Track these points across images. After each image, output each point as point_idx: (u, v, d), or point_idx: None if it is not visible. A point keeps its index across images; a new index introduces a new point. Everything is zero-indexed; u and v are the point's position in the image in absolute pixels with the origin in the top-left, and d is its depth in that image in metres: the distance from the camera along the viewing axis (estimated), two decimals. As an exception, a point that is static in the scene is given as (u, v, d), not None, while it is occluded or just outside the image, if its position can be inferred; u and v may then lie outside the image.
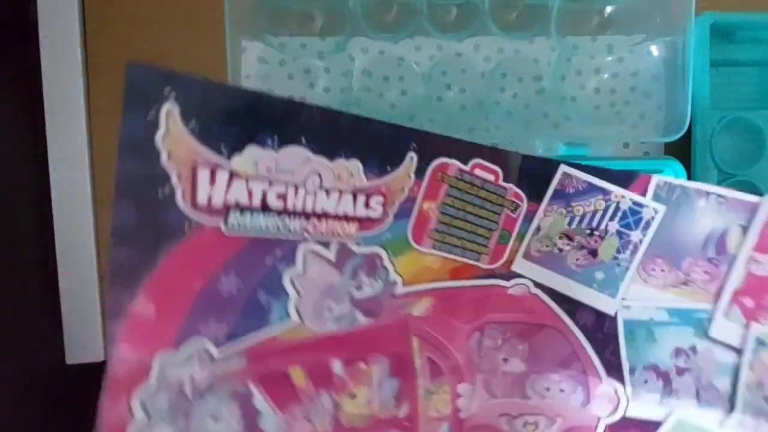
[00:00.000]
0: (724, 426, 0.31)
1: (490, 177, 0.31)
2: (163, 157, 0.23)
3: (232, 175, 0.24)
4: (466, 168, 0.31)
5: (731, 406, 0.31)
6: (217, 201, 0.24)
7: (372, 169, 0.28)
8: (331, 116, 0.27)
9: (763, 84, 0.45)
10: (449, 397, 0.32)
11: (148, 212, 0.23)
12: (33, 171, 0.47)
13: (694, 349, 0.32)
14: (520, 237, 0.32)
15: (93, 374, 0.53)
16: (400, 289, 0.30)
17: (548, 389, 0.32)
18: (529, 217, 0.32)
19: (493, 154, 0.31)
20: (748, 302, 0.31)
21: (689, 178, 0.40)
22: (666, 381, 0.32)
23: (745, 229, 0.31)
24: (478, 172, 0.31)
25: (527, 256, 0.32)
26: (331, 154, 0.27)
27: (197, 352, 0.24)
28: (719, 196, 0.31)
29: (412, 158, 0.29)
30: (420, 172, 0.30)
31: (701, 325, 0.32)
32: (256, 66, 0.43)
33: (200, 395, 0.24)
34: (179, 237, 0.23)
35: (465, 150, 0.31)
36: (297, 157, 0.26)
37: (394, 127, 0.29)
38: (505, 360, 0.32)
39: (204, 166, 0.23)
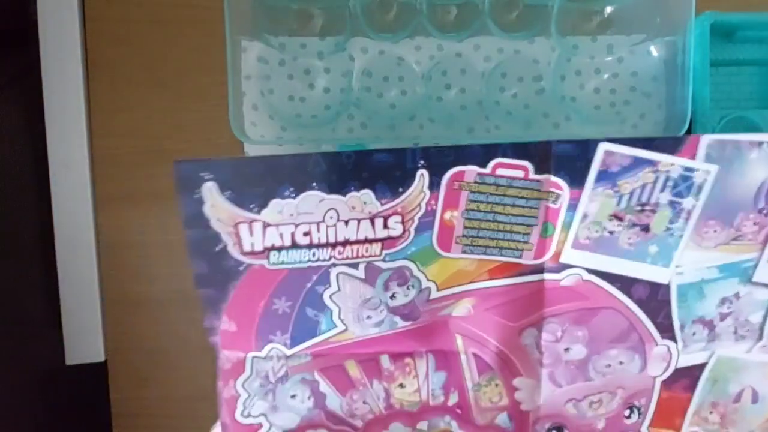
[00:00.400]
0: (750, 352, 0.33)
1: (518, 173, 0.31)
2: (213, 222, 0.31)
3: (265, 225, 0.31)
4: (486, 171, 0.31)
5: (760, 335, 0.33)
6: (258, 246, 0.31)
7: (384, 194, 0.31)
8: (333, 159, 0.31)
9: (763, 84, 0.46)
10: (503, 390, 0.33)
11: (213, 262, 0.31)
12: (33, 171, 0.47)
13: (737, 295, 0.33)
14: (566, 227, 0.32)
15: (93, 374, 0.53)
16: (435, 294, 0.32)
17: (609, 366, 0.33)
18: (572, 205, 0.31)
19: (516, 150, 0.31)
20: None
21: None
22: (710, 328, 0.33)
23: None
24: (501, 171, 0.31)
25: (576, 245, 0.32)
26: (341, 190, 0.31)
27: (275, 352, 0.32)
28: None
29: (422, 175, 0.31)
30: (434, 186, 0.31)
31: (747, 273, 0.32)
32: (256, 66, 0.44)
33: (280, 381, 0.33)
34: (238, 276, 0.31)
35: (481, 153, 0.31)
36: (312, 200, 0.31)
37: (396, 152, 0.30)
38: (567, 350, 0.33)
39: (243, 222, 0.31)
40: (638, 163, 0.31)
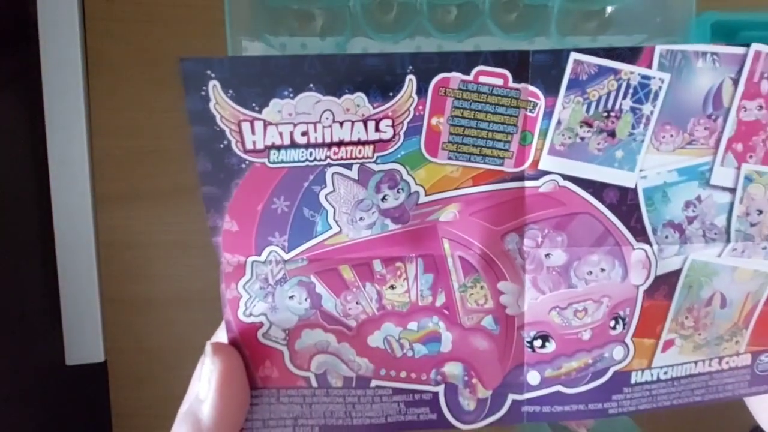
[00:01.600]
0: (721, 256, 0.35)
1: (498, 81, 0.33)
2: (218, 119, 0.32)
3: (266, 123, 0.32)
4: (469, 78, 0.33)
5: (727, 238, 0.35)
6: (260, 144, 0.32)
7: (376, 98, 0.32)
8: (329, 60, 0.32)
9: (764, 84, 0.45)
10: (488, 293, 0.35)
11: (217, 160, 0.32)
12: (33, 171, 0.47)
13: (699, 198, 0.35)
14: (543, 134, 0.33)
15: (93, 374, 0.54)
16: (423, 198, 0.34)
17: (590, 272, 0.35)
18: (548, 113, 0.33)
19: (496, 58, 0.33)
20: (739, 147, 0.34)
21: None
22: (681, 232, 0.35)
23: (735, 81, 0.34)
24: (483, 79, 0.33)
25: (552, 151, 0.34)
26: (336, 92, 0.32)
27: (273, 256, 0.34)
28: (713, 53, 0.33)
29: (410, 80, 0.32)
30: (422, 92, 0.32)
31: (704, 176, 0.35)
32: (257, 66, 0.44)
33: (279, 283, 0.34)
34: (241, 174, 0.32)
35: (464, 61, 0.33)
36: (309, 100, 0.32)
37: (387, 56, 0.32)
38: (548, 255, 0.35)
39: (245, 121, 0.32)
40: (603, 71, 0.33)
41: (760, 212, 0.35)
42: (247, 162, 0.32)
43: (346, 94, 0.32)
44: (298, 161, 0.33)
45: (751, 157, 0.34)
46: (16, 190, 0.49)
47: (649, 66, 0.33)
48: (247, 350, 0.35)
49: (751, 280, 0.36)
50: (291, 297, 0.34)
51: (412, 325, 0.35)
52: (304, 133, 0.32)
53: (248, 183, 0.33)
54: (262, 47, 0.44)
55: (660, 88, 0.33)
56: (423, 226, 0.34)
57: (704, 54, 0.33)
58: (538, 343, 0.35)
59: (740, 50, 0.33)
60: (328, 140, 0.32)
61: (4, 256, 0.46)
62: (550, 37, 0.42)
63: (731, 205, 0.35)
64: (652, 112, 0.34)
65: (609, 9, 0.44)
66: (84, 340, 0.50)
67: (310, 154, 0.32)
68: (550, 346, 0.36)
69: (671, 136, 0.34)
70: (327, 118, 0.32)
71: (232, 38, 0.40)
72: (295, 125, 0.32)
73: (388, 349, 0.35)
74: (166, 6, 0.48)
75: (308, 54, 0.32)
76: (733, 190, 0.35)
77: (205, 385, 0.31)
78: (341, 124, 0.32)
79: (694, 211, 0.35)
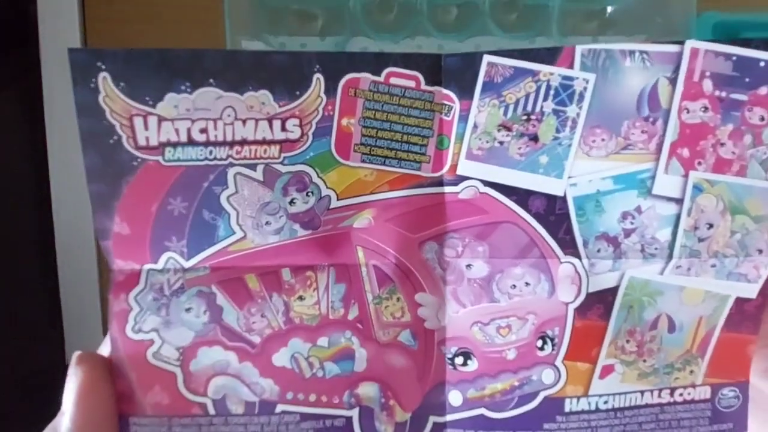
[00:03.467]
0: (664, 274, 0.32)
1: (410, 83, 0.31)
2: (107, 113, 0.30)
3: (160, 119, 0.30)
4: (380, 79, 0.31)
5: (670, 254, 0.32)
6: (153, 140, 0.30)
7: (282, 96, 0.31)
8: (232, 57, 0.31)
9: (765, 84, 0.45)
10: (405, 306, 0.33)
11: (106, 155, 0.30)
12: (33, 171, 0.47)
13: (638, 209, 0.32)
14: (459, 139, 0.32)
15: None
16: (335, 203, 0.32)
17: (514, 286, 0.33)
18: (464, 117, 0.32)
19: (407, 60, 0.31)
20: (685, 152, 0.31)
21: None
22: (615, 245, 0.32)
23: (672, 81, 0.31)
24: (394, 80, 0.31)
25: (470, 156, 0.32)
26: (239, 89, 0.30)
27: (172, 264, 0.31)
28: (642, 52, 0.31)
29: (318, 79, 0.31)
30: (331, 92, 0.31)
31: (644, 185, 0.32)
32: (256, 66, 0.44)
33: (175, 294, 0.31)
34: (132, 171, 0.30)
35: (373, 62, 0.31)
36: (209, 96, 0.30)
37: (293, 55, 0.31)
38: (469, 266, 0.33)
39: (137, 115, 0.30)
40: (520, 73, 0.31)
41: (711, 226, 0.32)
42: (139, 159, 0.30)
43: (250, 91, 0.30)
44: (197, 159, 0.31)
45: (699, 163, 0.31)
46: (16, 190, 0.49)
47: (571, 66, 0.31)
48: (134, 372, 0.31)
49: (703, 303, 0.32)
50: (188, 309, 0.31)
51: (323, 341, 0.32)
52: (203, 130, 0.30)
53: (141, 182, 0.30)
54: (261, 47, 0.44)
55: (585, 89, 0.31)
56: (335, 232, 0.32)
57: (632, 53, 0.31)
58: (459, 360, 0.33)
59: (674, 48, 0.31)
60: (229, 138, 0.31)
61: (4, 256, 0.46)
62: (551, 38, 0.42)
63: (677, 217, 0.32)
64: (578, 114, 0.31)
65: (609, 9, 0.44)
66: (84, 340, 0.50)
67: (210, 152, 0.31)
68: (473, 364, 0.33)
69: (602, 140, 0.32)
70: (229, 116, 0.30)
71: (231, 38, 0.40)
72: (193, 121, 0.30)
73: (296, 368, 0.32)
74: (166, 6, 0.48)
75: (208, 49, 0.30)
76: (679, 201, 0.32)
77: (65, 398, 0.29)
78: (244, 122, 0.30)
79: (632, 223, 0.32)
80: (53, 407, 0.49)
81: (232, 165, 0.31)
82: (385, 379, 0.33)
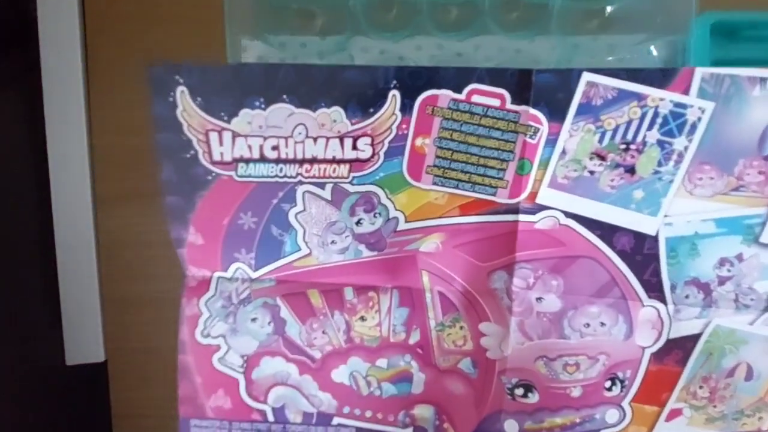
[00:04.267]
0: (754, 324, 0.30)
1: (494, 102, 0.30)
2: (185, 127, 0.31)
3: (234, 134, 0.31)
4: (461, 96, 0.30)
5: (767, 307, 0.30)
6: (227, 156, 0.31)
7: (355, 113, 0.30)
8: (305, 71, 0.30)
9: (765, 84, 0.45)
10: (468, 334, 0.32)
11: (181, 169, 0.31)
12: (33, 171, 0.47)
13: (740, 257, 0.30)
14: (543, 164, 0.30)
15: (93, 374, 0.53)
16: (402, 225, 0.31)
17: (588, 325, 0.31)
18: (551, 141, 0.29)
19: (494, 76, 0.29)
20: None
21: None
22: (707, 293, 0.30)
23: None
24: (476, 98, 0.30)
25: (554, 184, 0.30)
26: (312, 105, 0.30)
27: (240, 273, 0.32)
28: None
29: (394, 96, 0.30)
30: (407, 109, 0.30)
31: (752, 232, 0.29)
32: (257, 66, 0.44)
33: (242, 303, 0.32)
34: (206, 185, 0.31)
35: (455, 77, 0.30)
36: (282, 113, 0.30)
37: (370, 69, 0.30)
38: (539, 299, 0.31)
39: (213, 130, 0.30)
40: (624, 96, 0.29)
41: None
42: (213, 174, 0.31)
43: (322, 108, 0.30)
44: (268, 176, 0.31)
45: None
46: (16, 190, 0.49)
47: (686, 92, 0.28)
48: (200, 376, 0.32)
49: None
50: (254, 319, 0.32)
51: (382, 362, 0.32)
52: (275, 148, 0.30)
53: (214, 195, 0.31)
54: (261, 47, 0.44)
55: (699, 119, 0.28)
56: (401, 255, 0.31)
57: (764, 80, 0.27)
58: (519, 391, 0.32)
59: None
60: (300, 156, 0.30)
61: (4, 256, 0.46)
62: (551, 37, 0.42)
63: None
64: (686, 148, 0.28)
65: (609, 8, 0.44)
66: (84, 340, 0.49)
67: (281, 169, 0.30)
68: (533, 397, 0.32)
69: (711, 178, 0.28)
70: (300, 133, 0.30)
71: (231, 38, 0.40)
72: (265, 138, 0.30)
73: (354, 385, 0.32)
74: (166, 6, 0.48)
75: (283, 63, 0.31)
76: None
77: None
78: (315, 140, 0.30)
79: (729, 270, 0.29)
80: (53, 407, 0.49)
81: (301, 183, 0.31)
82: (441, 402, 0.33)
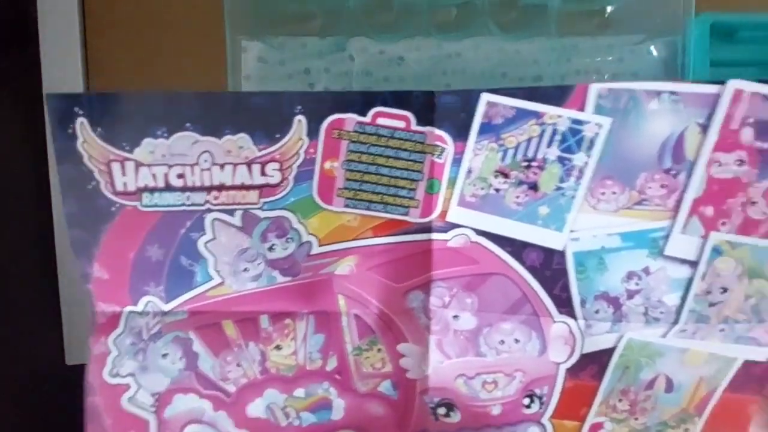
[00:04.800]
0: (667, 337, 0.30)
1: (399, 124, 0.30)
2: (85, 158, 0.30)
3: (138, 164, 0.30)
4: (366, 119, 0.30)
5: (676, 319, 0.30)
6: (131, 186, 0.30)
7: (262, 140, 0.30)
8: (208, 100, 0.30)
9: (764, 84, 0.45)
10: (386, 356, 0.32)
11: (84, 201, 0.30)
12: (33, 171, 0.47)
13: (647, 270, 0.30)
14: (451, 183, 0.30)
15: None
16: (316, 249, 0.31)
17: (502, 342, 0.31)
18: (457, 160, 0.30)
19: (397, 99, 0.30)
20: (708, 211, 0.28)
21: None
22: (616, 307, 0.30)
23: (704, 128, 0.27)
24: (381, 121, 0.30)
25: (462, 202, 0.30)
26: (216, 133, 0.30)
27: (151, 307, 0.31)
28: (672, 93, 0.27)
29: (299, 121, 0.30)
30: (314, 133, 0.30)
31: (656, 245, 0.29)
32: (256, 66, 0.44)
33: (152, 338, 0.31)
34: (110, 217, 0.30)
35: (360, 101, 0.30)
36: (186, 141, 0.30)
37: (273, 96, 0.30)
38: (456, 317, 0.31)
39: (115, 161, 0.30)
40: (522, 114, 0.29)
41: (725, 290, 0.29)
42: (117, 205, 0.30)
43: (228, 135, 0.30)
44: (174, 205, 0.30)
45: (723, 224, 0.28)
46: (16, 190, 0.49)
47: (582, 108, 0.28)
48: (109, 418, 0.31)
49: (705, 364, 0.30)
50: (164, 355, 0.31)
51: (299, 392, 0.31)
52: (180, 176, 0.30)
53: (119, 227, 0.30)
54: (261, 47, 0.44)
55: (597, 135, 0.28)
56: (316, 279, 0.31)
57: (659, 93, 0.27)
58: (441, 410, 0.32)
59: (711, 89, 0.27)
60: (207, 184, 0.30)
61: (4, 256, 0.46)
62: (550, 37, 0.42)
63: (689, 281, 0.29)
64: (586, 164, 0.28)
65: (608, 9, 0.44)
66: (84, 340, 0.50)
67: (188, 198, 0.30)
68: (455, 416, 0.32)
69: (613, 193, 0.29)
70: (206, 161, 0.30)
71: (231, 38, 0.40)
72: (170, 167, 0.30)
73: (272, 417, 0.32)
74: (166, 6, 0.48)
75: (185, 91, 0.30)
76: (694, 264, 0.29)
77: None
78: (222, 166, 0.30)
79: (637, 284, 0.29)
80: (53, 407, 0.49)
81: (209, 210, 0.30)
82: (363, 427, 0.32)
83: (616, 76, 0.45)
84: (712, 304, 0.29)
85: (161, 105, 0.30)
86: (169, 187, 0.30)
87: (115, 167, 0.30)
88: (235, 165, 0.30)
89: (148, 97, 0.30)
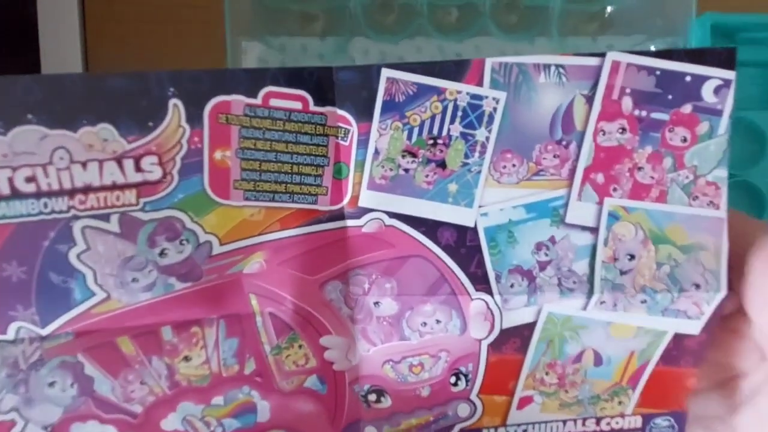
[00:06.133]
0: (587, 309, 0.30)
1: (296, 105, 0.27)
2: None
3: None
4: (257, 101, 0.27)
5: (591, 289, 0.29)
6: None
7: (131, 130, 0.26)
8: (55, 84, 0.25)
9: (764, 84, 0.46)
10: (309, 351, 0.30)
11: None
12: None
13: (552, 239, 0.29)
14: (359, 166, 0.28)
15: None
16: (217, 249, 0.28)
17: (425, 324, 0.30)
18: (363, 141, 0.28)
19: (291, 77, 0.27)
20: (599, 178, 0.29)
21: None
22: (530, 279, 0.30)
23: (589, 99, 0.28)
24: (275, 102, 0.27)
25: (372, 185, 0.28)
26: (70, 124, 0.26)
27: (25, 333, 0.26)
28: (558, 66, 0.27)
29: (176, 106, 0.26)
30: (195, 120, 0.26)
31: (557, 214, 0.29)
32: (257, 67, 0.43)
33: (34, 367, 0.27)
34: None
35: (246, 80, 0.27)
36: (31, 136, 0.25)
37: (137, 77, 0.26)
38: (377, 304, 0.30)
39: None
40: (424, 90, 0.28)
41: (632, 257, 0.29)
42: None
43: (85, 126, 0.25)
44: (29, 215, 0.26)
45: (615, 189, 0.29)
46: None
47: (480, 83, 0.28)
48: None
49: (635, 338, 0.30)
50: (51, 384, 0.27)
51: (218, 400, 0.29)
52: (30, 179, 0.25)
53: None
54: (261, 48, 0.44)
55: (495, 109, 0.28)
56: (223, 281, 0.28)
57: (547, 67, 0.28)
58: (372, 397, 0.31)
59: (593, 61, 0.28)
60: (68, 186, 0.26)
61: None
62: (551, 38, 0.42)
63: (593, 248, 0.29)
64: (487, 138, 0.28)
65: (609, 10, 0.44)
66: None
67: (45, 205, 0.26)
68: (386, 401, 0.31)
69: (513, 165, 0.29)
70: (62, 158, 0.25)
71: (231, 39, 0.40)
72: (14, 169, 0.25)
73: (190, 429, 0.29)
74: (166, 6, 0.48)
75: (21, 76, 0.25)
76: (594, 230, 0.29)
77: None
78: (84, 164, 0.25)
79: (546, 254, 0.29)
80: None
81: (77, 218, 0.26)
82: (293, 425, 0.30)
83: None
84: (623, 272, 0.29)
85: None
86: (17, 194, 0.25)
87: None
88: (101, 161, 0.26)
89: None
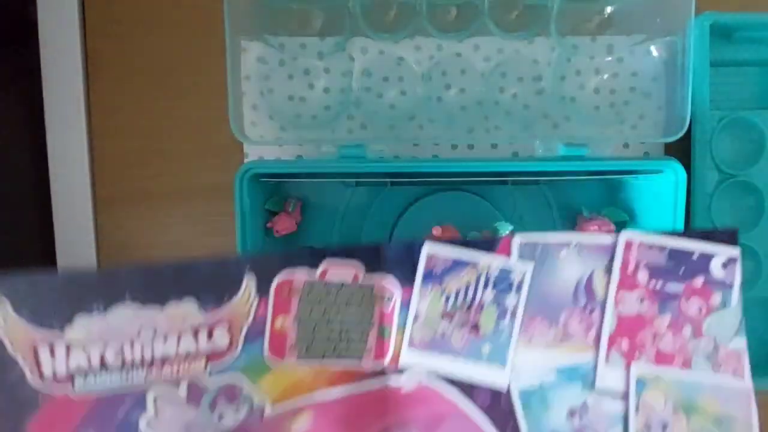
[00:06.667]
0: None
1: (348, 276, 0.30)
2: (8, 345, 0.27)
3: (69, 345, 0.27)
4: (315, 275, 0.30)
5: None
6: (61, 371, 0.27)
7: (208, 303, 0.29)
8: (151, 270, 0.28)
9: (763, 84, 0.46)
10: None
11: (6, 393, 0.27)
12: (33, 171, 0.47)
13: (584, 406, 0.31)
14: (401, 328, 0.31)
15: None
16: (269, 410, 0.30)
17: None
18: (405, 305, 0.31)
19: (347, 252, 0.30)
20: (624, 344, 0.31)
21: (689, 178, 0.40)
22: None
23: (608, 271, 0.31)
24: (332, 272, 0.30)
25: (412, 345, 0.31)
26: (160, 301, 0.28)
27: None
28: (577, 243, 0.31)
29: (249, 281, 0.29)
30: (263, 292, 0.29)
31: (587, 378, 0.31)
32: (256, 66, 0.44)
33: None
34: (35, 409, 0.27)
35: (309, 257, 0.30)
36: (124, 314, 0.27)
37: (220, 261, 0.29)
38: None
39: (42, 344, 0.27)
40: (459, 263, 0.31)
41: (665, 427, 0.30)
42: (43, 393, 0.27)
43: (173, 302, 0.28)
44: (111, 388, 0.27)
45: (640, 355, 0.31)
46: (16, 191, 0.49)
47: (509, 255, 0.31)
48: None
49: None
50: None
51: None
52: (119, 353, 0.27)
53: (44, 419, 0.27)
54: (261, 47, 0.44)
55: (523, 278, 0.31)
56: None
57: (567, 244, 0.31)
58: None
59: (608, 240, 0.30)
60: (149, 358, 0.28)
61: (4, 256, 0.46)
62: (550, 37, 0.42)
63: (625, 415, 0.30)
64: (518, 303, 0.31)
65: (608, 9, 0.44)
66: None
67: (126, 377, 0.27)
68: None
69: (542, 329, 0.31)
70: (146, 334, 0.27)
71: (231, 38, 0.40)
72: (106, 344, 0.27)
73: None
74: (166, 7, 0.48)
75: (121, 269, 0.28)
76: (624, 396, 0.31)
77: None
78: (165, 337, 0.28)
79: (581, 421, 0.31)
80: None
81: (151, 385, 0.28)
82: None
83: (615, 76, 0.44)
84: None
85: (96, 278, 0.27)
86: (105, 368, 0.27)
87: (42, 351, 0.27)
88: (180, 334, 0.28)
89: (80, 272, 0.27)
